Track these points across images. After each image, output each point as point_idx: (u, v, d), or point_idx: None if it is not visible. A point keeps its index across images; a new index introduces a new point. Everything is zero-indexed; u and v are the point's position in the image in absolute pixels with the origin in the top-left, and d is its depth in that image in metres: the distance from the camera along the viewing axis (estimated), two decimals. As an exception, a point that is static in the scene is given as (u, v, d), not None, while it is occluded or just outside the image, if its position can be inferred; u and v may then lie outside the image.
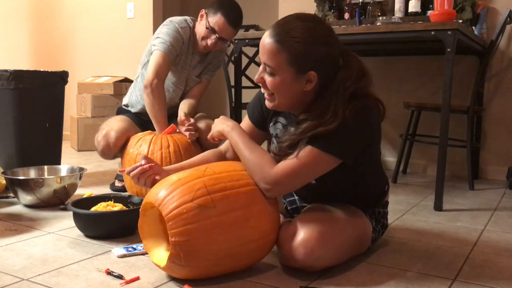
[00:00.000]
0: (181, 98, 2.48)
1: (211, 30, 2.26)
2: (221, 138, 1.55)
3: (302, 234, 1.34)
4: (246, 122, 1.63)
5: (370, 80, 1.36)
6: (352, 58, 1.36)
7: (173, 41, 2.28)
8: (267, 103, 1.42)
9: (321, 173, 1.36)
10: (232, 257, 1.31)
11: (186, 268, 1.27)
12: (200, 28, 2.31)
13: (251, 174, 1.39)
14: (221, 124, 1.53)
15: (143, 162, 1.46)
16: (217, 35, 2.26)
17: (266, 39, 1.32)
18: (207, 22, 2.26)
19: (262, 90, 1.41)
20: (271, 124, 1.57)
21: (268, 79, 1.34)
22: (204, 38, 2.29)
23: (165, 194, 1.28)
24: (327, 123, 1.28)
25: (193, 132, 2.21)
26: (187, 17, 2.40)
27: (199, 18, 2.34)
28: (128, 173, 1.46)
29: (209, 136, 1.59)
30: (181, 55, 2.37)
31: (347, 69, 1.33)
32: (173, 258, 1.25)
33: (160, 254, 1.36)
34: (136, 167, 1.45)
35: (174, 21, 2.34)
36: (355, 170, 1.41)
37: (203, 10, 2.31)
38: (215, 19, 2.25)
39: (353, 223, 1.46)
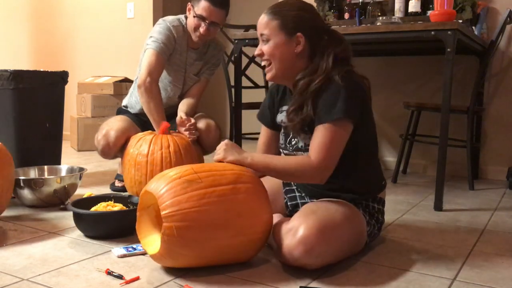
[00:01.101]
0: (181, 97, 2.48)
1: (199, 17, 2.26)
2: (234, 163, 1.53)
3: (302, 231, 1.34)
4: (263, 131, 1.75)
5: (348, 44, 1.55)
6: (332, 29, 1.58)
7: (164, 39, 2.29)
8: (267, 76, 1.58)
9: (345, 140, 1.46)
10: (225, 229, 1.33)
11: (180, 242, 1.29)
12: (190, 20, 2.32)
13: (299, 178, 1.52)
14: (236, 155, 1.52)
15: None
16: (207, 21, 2.26)
17: (262, 16, 1.55)
18: (194, 12, 2.28)
19: (262, 62, 1.57)
20: (278, 114, 1.66)
21: (264, 47, 1.54)
22: (196, 28, 2.29)
23: (156, 182, 1.38)
24: (318, 76, 1.46)
25: (193, 132, 2.20)
26: (180, 16, 2.41)
27: (187, 13, 2.35)
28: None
29: (216, 158, 1.56)
30: (176, 53, 2.37)
31: (331, 36, 1.54)
32: (167, 231, 1.28)
33: (156, 245, 1.38)
34: None
35: (166, 20, 2.36)
36: (353, 145, 1.50)
37: (189, 3, 2.33)
38: (200, 6, 2.26)
39: (351, 221, 1.48)
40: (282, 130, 1.66)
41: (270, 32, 1.51)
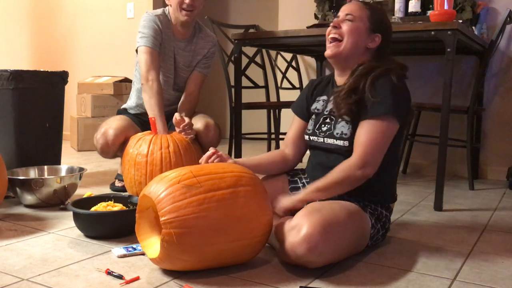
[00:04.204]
0: (176, 90, 2.46)
1: None
2: (293, 210, 1.56)
3: (306, 229, 1.34)
4: (295, 122, 1.79)
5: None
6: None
7: (151, 32, 2.30)
8: (330, 50, 1.60)
9: (390, 137, 1.51)
10: (224, 235, 1.32)
11: (179, 248, 1.28)
12: (172, 1, 2.32)
13: (346, 183, 1.49)
14: (289, 201, 1.55)
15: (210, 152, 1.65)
16: None
17: (353, 2, 1.65)
18: None
19: (332, 35, 1.60)
20: (315, 103, 1.72)
21: (346, 24, 1.59)
22: (181, 5, 2.29)
23: (155, 185, 1.36)
24: (380, 67, 1.55)
25: (189, 131, 2.20)
26: (166, 7, 2.42)
27: (167, 2, 2.37)
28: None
29: (282, 212, 1.58)
30: (163, 42, 2.37)
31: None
32: (166, 238, 1.27)
33: (156, 248, 1.38)
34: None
35: (149, 12, 2.38)
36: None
37: None
38: None
39: (353, 219, 1.48)
40: (313, 117, 1.69)
41: (359, 15, 1.59)
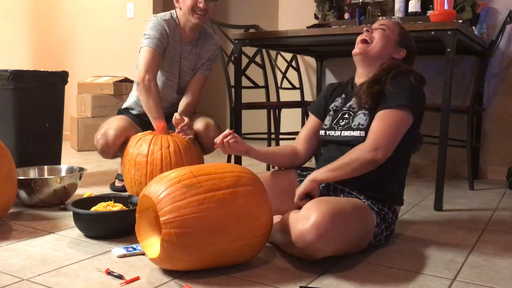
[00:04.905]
0: (179, 93, 2.47)
1: None
2: (312, 192, 1.59)
3: (315, 216, 1.36)
4: (310, 121, 1.84)
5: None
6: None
7: (157, 35, 2.30)
8: (357, 49, 1.71)
9: (403, 128, 1.57)
10: (224, 234, 1.32)
11: (179, 248, 1.28)
12: (183, 4, 2.31)
13: (357, 164, 1.52)
14: (301, 187, 1.59)
15: (227, 131, 1.69)
16: None
17: (389, 19, 1.88)
18: None
19: (363, 37, 1.72)
20: (331, 103, 1.79)
21: (378, 31, 1.72)
22: (193, 8, 2.28)
23: (155, 185, 1.36)
24: (402, 66, 1.68)
25: (188, 131, 2.20)
26: (172, 10, 2.41)
27: (176, 5, 2.35)
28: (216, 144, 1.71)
29: (298, 199, 1.60)
30: (169, 47, 2.36)
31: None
32: (166, 238, 1.27)
33: (156, 248, 1.38)
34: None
35: (157, 16, 2.37)
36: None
37: None
38: None
39: (359, 212, 1.51)
40: (331, 113, 1.74)
41: (391, 28, 1.73)
